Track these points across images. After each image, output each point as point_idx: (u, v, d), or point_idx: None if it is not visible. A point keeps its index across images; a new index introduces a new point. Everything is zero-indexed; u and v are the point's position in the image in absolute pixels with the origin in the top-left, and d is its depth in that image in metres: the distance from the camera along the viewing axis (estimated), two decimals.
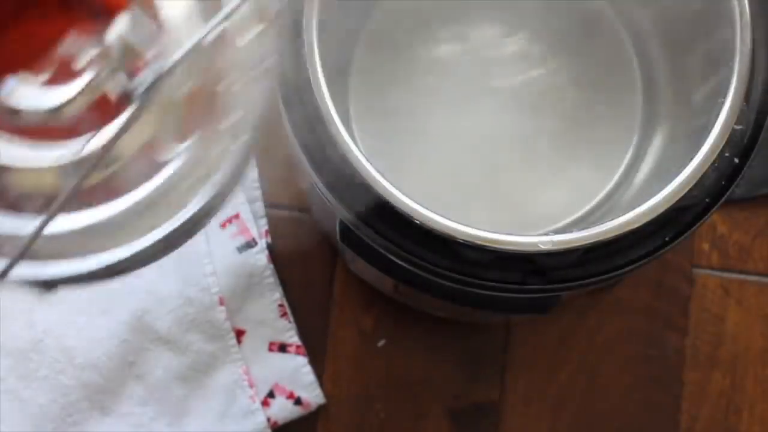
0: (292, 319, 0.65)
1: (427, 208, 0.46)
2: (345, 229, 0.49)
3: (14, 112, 0.33)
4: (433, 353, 0.66)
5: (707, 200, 0.48)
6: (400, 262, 0.48)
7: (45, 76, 0.33)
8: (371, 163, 0.47)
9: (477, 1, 0.60)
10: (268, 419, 0.63)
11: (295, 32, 0.49)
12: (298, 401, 0.64)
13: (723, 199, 0.48)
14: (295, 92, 0.49)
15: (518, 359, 0.66)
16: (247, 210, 0.65)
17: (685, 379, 0.66)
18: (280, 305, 0.65)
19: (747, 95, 0.48)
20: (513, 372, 0.66)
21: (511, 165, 0.59)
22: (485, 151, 0.59)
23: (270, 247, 0.66)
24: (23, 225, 0.33)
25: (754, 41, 0.48)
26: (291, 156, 0.67)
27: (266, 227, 0.66)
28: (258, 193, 0.67)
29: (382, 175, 0.46)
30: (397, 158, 0.58)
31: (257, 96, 0.36)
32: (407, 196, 0.46)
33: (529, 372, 0.66)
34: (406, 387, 0.65)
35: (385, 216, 0.47)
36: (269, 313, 0.65)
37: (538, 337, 0.66)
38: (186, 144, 0.36)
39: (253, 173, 0.67)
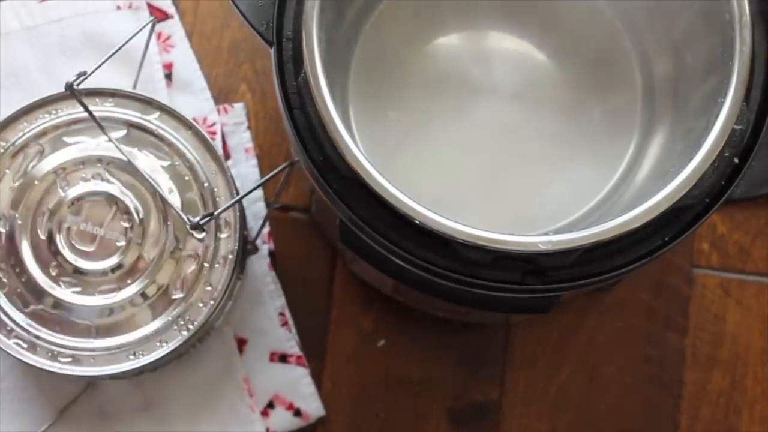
0: (293, 329, 0.65)
1: (427, 208, 0.46)
2: (345, 229, 0.49)
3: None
4: (433, 353, 0.66)
5: (707, 200, 0.48)
6: (400, 262, 0.48)
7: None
8: (371, 164, 0.47)
9: (477, 1, 0.60)
10: (267, 430, 0.63)
11: (296, 32, 0.49)
12: (297, 412, 0.64)
13: (723, 199, 0.48)
14: (296, 92, 0.49)
15: (518, 359, 0.66)
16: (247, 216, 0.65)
17: (685, 379, 0.66)
18: (281, 314, 0.65)
19: (747, 95, 0.48)
20: (513, 372, 0.66)
21: (511, 165, 0.59)
22: (485, 151, 0.59)
23: (272, 253, 0.66)
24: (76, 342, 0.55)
25: (754, 41, 0.48)
26: (291, 156, 0.67)
27: (268, 229, 0.66)
28: (260, 193, 0.67)
29: (382, 175, 0.46)
30: (397, 158, 0.58)
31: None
32: (407, 196, 0.46)
33: (529, 372, 0.66)
34: (406, 387, 0.65)
35: (385, 216, 0.47)
36: (270, 321, 0.65)
37: (538, 337, 0.66)
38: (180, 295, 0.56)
39: (254, 174, 0.67)
